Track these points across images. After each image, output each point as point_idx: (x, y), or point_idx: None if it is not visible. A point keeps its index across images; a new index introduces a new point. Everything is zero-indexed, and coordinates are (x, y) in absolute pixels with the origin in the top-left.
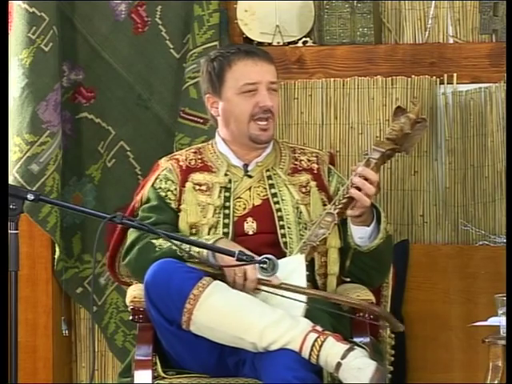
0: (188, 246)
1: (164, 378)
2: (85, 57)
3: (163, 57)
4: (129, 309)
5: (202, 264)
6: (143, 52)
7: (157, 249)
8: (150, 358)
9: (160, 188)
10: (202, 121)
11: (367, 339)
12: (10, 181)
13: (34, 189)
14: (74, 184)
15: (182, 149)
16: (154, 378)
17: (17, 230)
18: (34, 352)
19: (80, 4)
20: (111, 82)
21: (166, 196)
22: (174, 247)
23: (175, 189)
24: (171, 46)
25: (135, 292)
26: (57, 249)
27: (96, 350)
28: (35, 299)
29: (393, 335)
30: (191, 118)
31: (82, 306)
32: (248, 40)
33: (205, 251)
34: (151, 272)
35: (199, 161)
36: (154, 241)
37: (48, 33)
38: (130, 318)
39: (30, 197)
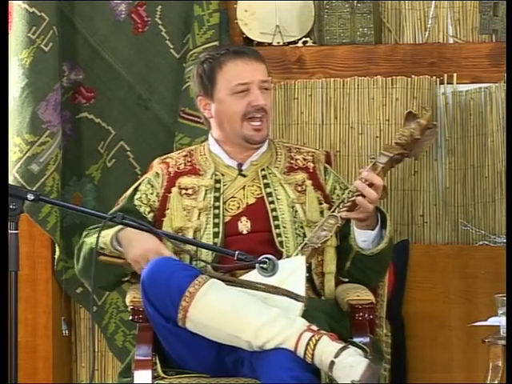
0: (103, 239)
1: (164, 378)
2: (85, 57)
3: (163, 57)
4: (129, 309)
5: (113, 257)
6: (143, 52)
7: (87, 247)
8: (149, 358)
9: (139, 190)
10: (202, 121)
11: (367, 339)
12: (10, 181)
13: (34, 189)
14: (74, 184)
15: (181, 149)
16: (154, 377)
17: (17, 230)
18: (34, 352)
19: (80, 4)
20: (111, 82)
21: (139, 198)
22: (92, 240)
23: (151, 193)
24: (171, 46)
25: (135, 292)
26: (57, 249)
27: (96, 349)
28: (35, 299)
29: (389, 334)
30: (191, 117)
31: (82, 306)
32: (248, 40)
33: (107, 239)
34: (148, 270)
35: (188, 164)
36: (86, 239)
37: (48, 33)
38: (130, 318)
39: (30, 197)
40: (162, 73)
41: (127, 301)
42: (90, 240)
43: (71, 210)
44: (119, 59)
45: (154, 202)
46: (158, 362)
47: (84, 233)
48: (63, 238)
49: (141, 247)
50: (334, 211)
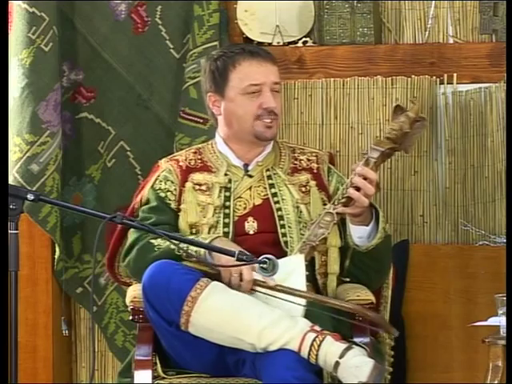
0: (186, 244)
1: (164, 378)
2: (85, 57)
3: (163, 57)
4: (129, 309)
5: (200, 263)
6: (143, 52)
7: (155, 248)
8: (149, 358)
9: (160, 189)
10: (201, 121)
11: (367, 339)
12: (10, 181)
13: (34, 189)
14: (74, 184)
15: (182, 149)
16: (154, 377)
17: (17, 230)
18: (34, 352)
19: (80, 4)
20: (111, 82)
21: (166, 197)
22: (173, 246)
23: (175, 189)
24: (171, 46)
25: (135, 292)
26: (57, 249)
27: (96, 349)
28: (35, 299)
29: (392, 336)
30: (191, 117)
31: (82, 306)
32: (248, 40)
33: (202, 250)
34: (148, 274)
35: (199, 161)
36: (152, 240)
37: (48, 33)
38: (130, 318)
39: (30, 197)
40: (161, 73)
41: (127, 301)
42: (162, 244)
43: (71, 210)
44: (119, 59)
45: (177, 196)
46: (158, 362)
47: (135, 234)
48: (63, 238)
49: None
50: (329, 208)
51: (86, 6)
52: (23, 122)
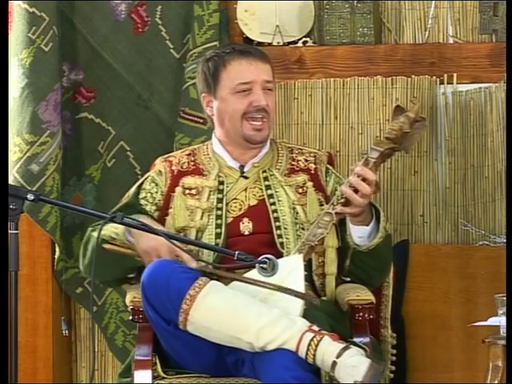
0: (114, 229)
1: (164, 378)
2: (85, 57)
3: (163, 57)
4: (129, 309)
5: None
6: (143, 52)
7: (93, 239)
8: (149, 358)
9: (143, 188)
10: (202, 121)
11: (367, 339)
12: (10, 181)
13: (34, 189)
14: (74, 184)
15: (181, 149)
16: (154, 378)
17: (17, 230)
18: (34, 352)
19: (80, 4)
20: (111, 82)
21: (145, 197)
22: (103, 232)
23: (156, 192)
24: (171, 46)
25: (135, 292)
26: (57, 249)
27: (96, 349)
28: (35, 299)
29: (394, 335)
30: (191, 118)
31: (82, 306)
32: (248, 40)
33: (120, 230)
34: (148, 272)
35: (192, 163)
36: (93, 233)
37: (48, 33)
38: (130, 318)
39: (30, 197)
40: (162, 73)
41: (127, 301)
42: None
43: (71, 210)
44: (119, 59)
45: (159, 200)
46: (158, 362)
47: (89, 228)
48: (63, 238)
49: (154, 239)
50: (328, 208)
51: (86, 5)
52: (23, 122)
